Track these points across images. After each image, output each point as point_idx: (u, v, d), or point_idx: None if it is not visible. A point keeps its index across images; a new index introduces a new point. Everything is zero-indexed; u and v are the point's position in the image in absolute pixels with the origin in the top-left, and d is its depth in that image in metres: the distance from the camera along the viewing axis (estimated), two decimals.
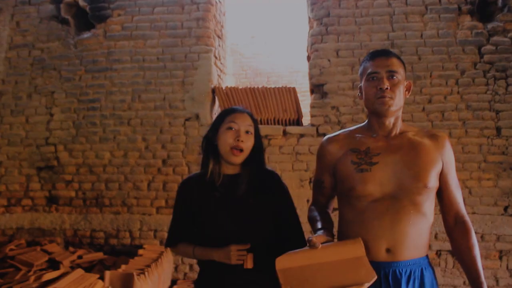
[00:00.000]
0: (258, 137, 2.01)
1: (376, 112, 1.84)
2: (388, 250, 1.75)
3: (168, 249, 4.28)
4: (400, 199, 1.76)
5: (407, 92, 1.89)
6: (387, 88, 1.77)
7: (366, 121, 1.96)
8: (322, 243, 1.63)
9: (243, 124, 1.94)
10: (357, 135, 1.92)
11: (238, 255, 1.82)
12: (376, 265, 1.71)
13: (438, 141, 1.87)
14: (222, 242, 1.88)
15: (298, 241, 1.95)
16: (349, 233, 1.82)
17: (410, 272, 1.76)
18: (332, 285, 1.55)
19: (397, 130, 1.88)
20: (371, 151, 1.83)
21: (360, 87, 1.91)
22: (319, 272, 1.59)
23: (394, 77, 1.79)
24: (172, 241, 2.08)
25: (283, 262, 1.63)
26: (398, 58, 1.87)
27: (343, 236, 1.87)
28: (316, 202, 2.03)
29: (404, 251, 1.75)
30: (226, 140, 1.92)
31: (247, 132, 1.95)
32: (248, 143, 1.94)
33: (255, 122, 2.01)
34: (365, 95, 1.86)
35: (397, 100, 1.79)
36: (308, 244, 1.63)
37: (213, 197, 1.95)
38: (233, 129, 1.93)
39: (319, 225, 1.80)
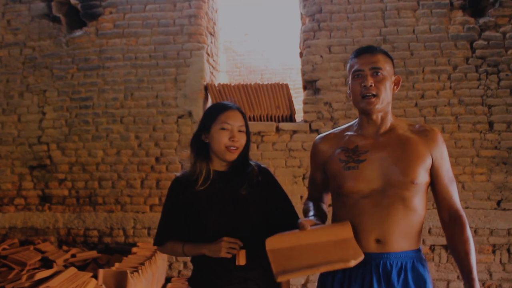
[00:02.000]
0: (248, 133, 2.03)
1: (362, 111, 1.87)
2: (377, 241, 1.77)
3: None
4: (388, 195, 1.78)
5: (395, 87, 1.90)
6: (371, 86, 1.78)
7: (358, 118, 1.98)
8: (312, 226, 1.69)
9: (236, 123, 1.95)
10: (347, 133, 1.96)
11: (229, 248, 1.81)
12: (368, 256, 1.74)
13: (427, 136, 1.87)
14: (214, 237, 1.88)
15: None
16: None
17: (401, 264, 1.78)
18: (320, 261, 1.59)
19: (386, 125, 1.89)
20: (359, 149, 1.85)
21: (349, 84, 1.93)
22: (308, 252, 1.63)
23: (379, 74, 1.81)
24: (161, 239, 2.06)
25: (273, 243, 1.68)
26: (384, 53, 1.88)
27: None
28: (311, 196, 2.11)
29: (393, 242, 1.77)
30: (220, 140, 1.93)
31: (239, 131, 1.96)
32: (242, 141, 1.97)
33: (245, 119, 2.03)
34: (352, 92, 1.89)
35: (383, 96, 1.81)
36: (298, 227, 1.69)
37: (204, 193, 1.95)
38: (227, 129, 1.94)
39: (311, 213, 1.89)
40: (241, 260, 1.84)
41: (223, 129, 1.93)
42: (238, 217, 1.93)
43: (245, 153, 2.01)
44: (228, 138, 1.92)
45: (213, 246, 1.84)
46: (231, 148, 1.93)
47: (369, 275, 1.76)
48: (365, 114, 1.87)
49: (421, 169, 1.81)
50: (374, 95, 1.79)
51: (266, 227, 1.97)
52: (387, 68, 1.83)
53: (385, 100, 1.82)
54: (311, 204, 1.97)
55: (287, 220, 1.99)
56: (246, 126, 2.01)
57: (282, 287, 2.00)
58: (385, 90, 1.81)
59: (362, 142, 1.87)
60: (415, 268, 1.81)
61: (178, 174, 2.11)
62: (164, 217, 2.06)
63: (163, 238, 2.05)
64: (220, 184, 1.97)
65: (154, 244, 2.10)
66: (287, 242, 1.67)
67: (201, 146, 2.00)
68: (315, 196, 2.08)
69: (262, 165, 2.10)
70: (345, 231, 1.69)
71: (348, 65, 1.94)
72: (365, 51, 1.87)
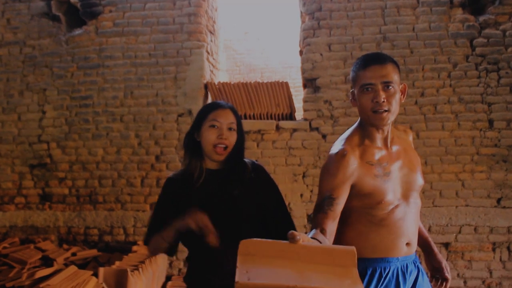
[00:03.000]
0: (240, 132, 2.01)
1: (371, 125, 1.82)
2: (407, 244, 1.84)
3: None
4: (411, 199, 1.86)
5: (402, 96, 1.85)
6: (383, 101, 1.73)
7: (357, 125, 1.92)
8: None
9: (226, 121, 1.94)
10: (360, 145, 1.86)
11: (199, 220, 1.78)
12: (396, 261, 1.83)
13: (409, 138, 2.02)
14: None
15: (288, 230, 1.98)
16: (368, 238, 1.83)
17: (414, 263, 1.89)
18: (303, 284, 1.16)
19: (390, 134, 1.88)
20: (381, 162, 1.83)
21: (353, 92, 1.86)
22: (291, 268, 1.23)
23: (390, 87, 1.74)
24: (151, 239, 2.03)
25: (248, 247, 1.28)
26: (392, 62, 1.80)
27: (358, 245, 1.79)
28: (323, 229, 1.69)
29: (415, 243, 1.89)
30: (209, 138, 1.93)
31: (230, 129, 1.95)
32: (231, 139, 1.95)
33: (238, 117, 2.01)
34: (360, 105, 1.81)
35: (394, 110, 1.77)
36: (287, 238, 1.29)
37: (198, 192, 1.95)
38: (216, 126, 1.93)
39: (311, 234, 1.59)
40: (212, 239, 1.80)
41: (212, 126, 1.93)
42: (232, 216, 1.93)
43: (237, 151, 1.99)
44: (217, 136, 1.92)
45: (184, 217, 1.82)
46: (219, 146, 1.92)
47: (396, 279, 1.81)
48: (373, 126, 1.83)
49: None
50: (386, 111, 1.75)
51: (263, 224, 1.99)
52: (396, 80, 1.77)
53: (394, 114, 1.78)
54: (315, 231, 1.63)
55: (277, 219, 2.00)
56: (239, 124, 2.00)
57: None
58: (395, 104, 1.77)
59: (379, 154, 1.84)
60: (420, 266, 1.94)
61: (170, 174, 2.10)
62: (155, 216, 2.04)
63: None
64: (213, 183, 1.97)
65: (145, 244, 2.06)
66: (267, 251, 1.27)
67: (194, 145, 2.00)
68: (323, 228, 1.68)
69: (256, 162, 2.10)
70: (348, 257, 1.25)
71: (353, 73, 1.84)
72: (374, 62, 1.77)
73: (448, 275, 1.99)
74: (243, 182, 1.97)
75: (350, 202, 1.79)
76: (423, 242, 2.06)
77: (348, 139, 1.87)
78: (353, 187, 1.78)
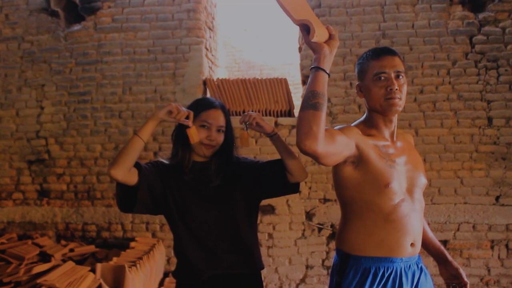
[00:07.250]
0: (229, 130, 2.08)
1: (383, 112, 1.82)
2: (412, 245, 1.81)
3: (161, 242, 4.30)
4: (415, 196, 1.85)
5: None
6: (397, 89, 1.77)
7: (364, 118, 1.93)
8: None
9: (216, 123, 2.00)
10: (364, 131, 1.86)
11: (175, 109, 1.83)
12: (400, 261, 1.79)
13: (411, 140, 2.05)
14: (196, 228, 1.97)
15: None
16: (374, 234, 1.79)
17: (417, 264, 1.87)
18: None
19: (396, 129, 1.90)
20: (387, 148, 1.83)
21: (359, 85, 1.89)
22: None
23: (401, 77, 1.80)
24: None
25: None
26: (399, 56, 1.86)
27: (363, 242, 1.82)
28: None
29: (419, 244, 1.86)
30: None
31: (218, 130, 2.02)
32: (218, 140, 2.02)
33: (228, 117, 2.08)
34: (372, 94, 1.82)
35: (403, 100, 1.81)
36: None
37: (184, 182, 2.00)
38: (206, 127, 1.99)
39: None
40: (194, 136, 1.89)
41: (202, 126, 1.99)
42: (218, 208, 2.00)
43: (225, 148, 2.06)
44: (206, 136, 1.98)
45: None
46: (206, 145, 1.99)
47: (399, 280, 1.78)
48: (384, 115, 1.83)
49: None
50: (398, 98, 1.78)
51: (263, 192, 2.09)
52: (404, 72, 1.83)
53: (403, 104, 1.82)
54: None
55: (273, 167, 2.05)
56: (228, 124, 2.07)
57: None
58: (404, 94, 1.81)
59: (385, 143, 1.84)
60: (423, 266, 1.91)
61: (158, 159, 2.12)
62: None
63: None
64: (200, 173, 2.03)
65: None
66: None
67: (183, 137, 2.02)
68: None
69: (237, 157, 2.16)
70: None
71: (362, 65, 1.87)
72: (386, 53, 1.82)
73: (467, 279, 1.97)
74: (229, 173, 2.04)
75: (362, 186, 1.78)
76: (436, 252, 2.07)
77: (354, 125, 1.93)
78: (358, 148, 1.74)
